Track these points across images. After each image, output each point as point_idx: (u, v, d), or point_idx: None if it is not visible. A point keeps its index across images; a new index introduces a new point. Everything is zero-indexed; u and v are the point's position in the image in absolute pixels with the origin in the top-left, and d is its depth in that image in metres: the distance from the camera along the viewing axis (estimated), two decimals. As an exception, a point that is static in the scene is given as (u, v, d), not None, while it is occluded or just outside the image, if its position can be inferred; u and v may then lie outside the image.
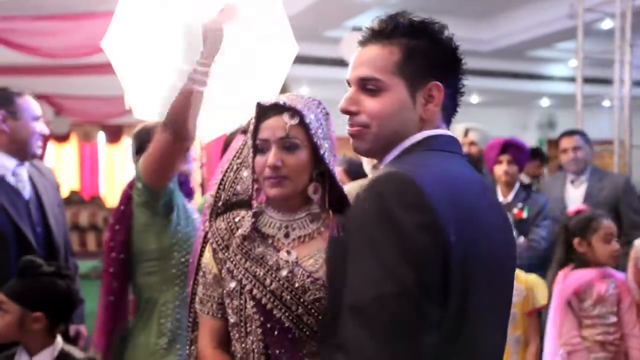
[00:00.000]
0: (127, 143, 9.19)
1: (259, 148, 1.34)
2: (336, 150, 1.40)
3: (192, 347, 1.47)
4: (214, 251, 1.38)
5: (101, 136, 8.74)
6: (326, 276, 1.26)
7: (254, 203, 1.40)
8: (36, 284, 1.91)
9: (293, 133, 1.30)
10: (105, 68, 4.06)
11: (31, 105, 2.34)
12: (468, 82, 1.15)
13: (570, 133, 3.54)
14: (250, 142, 1.37)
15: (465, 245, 0.95)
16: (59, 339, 1.94)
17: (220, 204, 1.42)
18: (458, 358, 0.98)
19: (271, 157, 1.30)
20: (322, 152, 1.33)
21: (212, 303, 1.39)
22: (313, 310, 1.29)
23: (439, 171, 1.01)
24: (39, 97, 2.50)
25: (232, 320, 1.35)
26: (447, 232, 0.92)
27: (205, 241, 1.43)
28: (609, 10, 4.95)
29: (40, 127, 2.35)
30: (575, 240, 2.47)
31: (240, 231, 1.36)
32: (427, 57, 1.07)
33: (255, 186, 1.39)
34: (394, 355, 0.88)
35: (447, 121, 1.13)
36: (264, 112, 1.34)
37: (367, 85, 1.09)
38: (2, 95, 2.30)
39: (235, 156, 1.44)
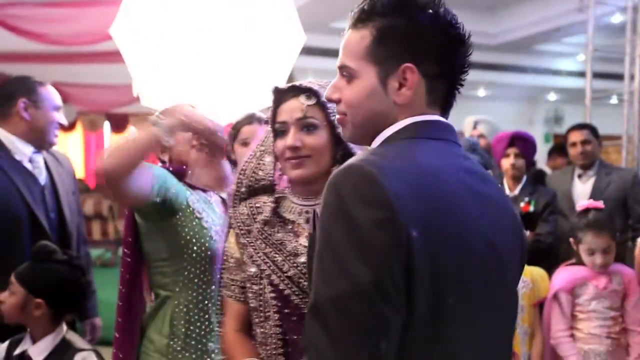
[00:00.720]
0: (132, 132, 9.20)
1: (278, 132, 1.34)
2: None
3: (221, 330, 1.48)
4: (237, 236, 1.40)
5: (107, 125, 8.75)
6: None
7: (277, 187, 1.41)
8: (44, 271, 1.91)
9: (311, 113, 1.30)
10: (113, 56, 4.06)
11: (53, 95, 2.38)
12: (475, 75, 1.05)
13: (579, 127, 3.52)
14: (270, 127, 1.38)
15: (436, 242, 0.88)
16: (64, 327, 1.95)
17: (242, 189, 1.43)
18: None
19: (290, 138, 1.31)
20: (339, 131, 1.31)
21: (235, 287, 1.40)
22: None
23: (408, 163, 0.93)
24: (46, 85, 2.51)
25: (252, 305, 1.37)
26: (409, 229, 0.85)
27: (230, 227, 1.44)
28: (619, 3, 4.91)
29: (60, 117, 2.38)
30: (572, 240, 2.50)
31: (261, 216, 1.37)
32: (401, 38, 0.99)
33: (278, 173, 1.40)
34: (347, 357, 0.83)
35: (443, 105, 1.04)
36: (281, 96, 1.35)
37: (343, 72, 1.05)
38: (25, 83, 2.33)
39: (259, 144, 1.45)
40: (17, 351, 1.90)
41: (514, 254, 1.05)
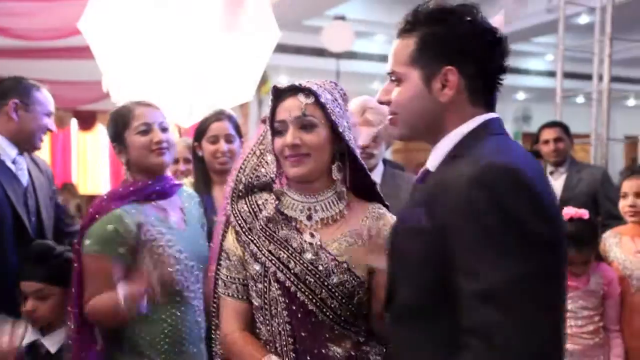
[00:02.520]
0: (100, 130, 9.02)
1: (277, 130, 1.36)
2: (357, 131, 1.41)
3: (219, 332, 1.47)
4: (237, 234, 1.39)
5: (74, 122, 8.56)
6: (390, 261, 1.21)
7: (276, 185, 1.41)
8: (61, 264, 1.91)
9: (309, 112, 1.33)
10: (81, 51, 3.96)
11: (46, 100, 2.33)
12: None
13: (552, 124, 3.58)
14: (268, 124, 1.39)
15: (559, 221, 1.08)
16: None
17: (241, 187, 1.43)
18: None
19: (289, 136, 1.33)
20: (340, 130, 1.35)
21: (236, 285, 1.39)
22: (337, 294, 1.31)
23: (522, 155, 1.07)
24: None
25: (256, 304, 1.36)
26: (551, 212, 1.02)
27: (227, 224, 1.44)
28: (589, 4, 5.00)
29: (50, 123, 2.34)
30: None
31: (264, 213, 1.37)
32: (441, 44, 1.12)
33: (278, 170, 1.41)
34: (534, 334, 0.93)
35: (486, 102, 1.16)
36: (280, 94, 1.36)
37: (392, 77, 1.18)
38: (21, 84, 2.29)
39: (257, 142, 1.46)
40: (26, 341, 1.88)
41: None
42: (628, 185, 2.43)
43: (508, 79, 1.16)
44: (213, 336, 1.49)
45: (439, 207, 1.04)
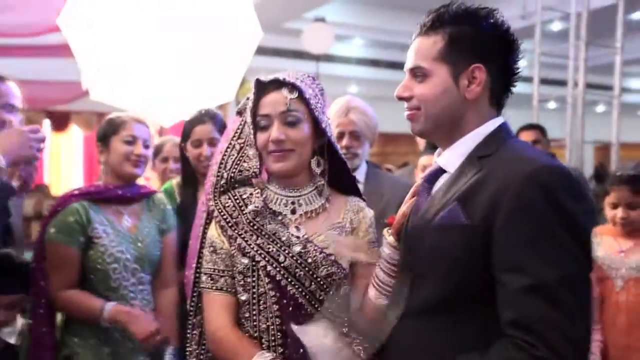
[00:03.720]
0: (74, 131, 8.85)
1: (260, 125, 1.34)
2: (331, 128, 1.42)
3: (194, 332, 1.43)
4: (222, 228, 1.37)
5: (47, 123, 8.38)
6: (411, 259, 1.21)
7: (256, 180, 1.39)
8: (23, 271, 1.92)
9: (294, 107, 1.32)
10: (57, 50, 3.87)
11: (6, 92, 2.14)
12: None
13: (529, 127, 3.61)
14: (249, 119, 1.36)
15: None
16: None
17: (223, 182, 1.41)
18: None
19: (274, 131, 1.32)
20: (323, 125, 1.35)
21: (225, 278, 1.36)
22: (325, 286, 1.32)
23: (562, 163, 1.10)
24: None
25: (242, 298, 1.34)
26: (596, 214, 1.12)
27: (208, 220, 1.42)
28: (564, 9, 5.09)
29: (8, 116, 2.14)
30: None
31: (251, 207, 1.35)
32: (470, 43, 1.15)
33: (260, 164, 1.39)
34: (585, 330, 1.00)
35: (498, 103, 1.20)
36: (263, 88, 1.35)
37: (415, 73, 1.19)
38: None
39: (234, 136, 1.43)
40: None
41: None
42: (618, 196, 2.39)
43: None
44: (188, 335, 1.44)
45: (480, 205, 1.07)
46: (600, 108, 11.64)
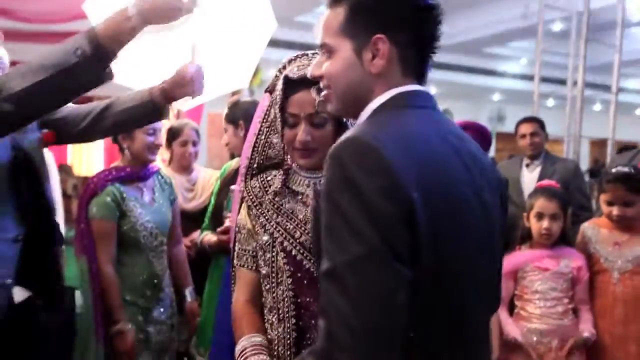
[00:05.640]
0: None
1: (288, 122, 1.34)
2: None
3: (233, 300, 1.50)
4: (249, 208, 1.41)
5: (70, 107, 8.42)
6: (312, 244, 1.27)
7: (286, 165, 1.42)
8: None
9: (321, 108, 1.28)
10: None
11: None
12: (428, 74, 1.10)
13: (529, 120, 3.63)
14: (277, 111, 1.35)
15: (433, 202, 0.92)
16: None
17: (255, 165, 1.45)
18: (436, 320, 0.96)
19: (301, 133, 1.31)
20: (347, 121, 1.34)
21: (247, 257, 1.41)
22: None
23: (401, 132, 0.96)
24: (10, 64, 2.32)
25: (263, 272, 1.38)
26: (409, 192, 0.89)
27: (242, 201, 1.46)
28: (564, 11, 5.06)
29: None
30: (524, 215, 2.52)
31: (272, 188, 1.39)
32: (372, 13, 1.02)
33: (286, 155, 1.42)
34: (367, 315, 0.85)
35: (418, 74, 1.06)
36: (292, 86, 1.32)
37: (323, 50, 1.09)
38: None
39: (263, 119, 1.43)
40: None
41: (496, 207, 1.09)
42: (614, 195, 2.38)
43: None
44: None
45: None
46: (597, 107, 11.58)
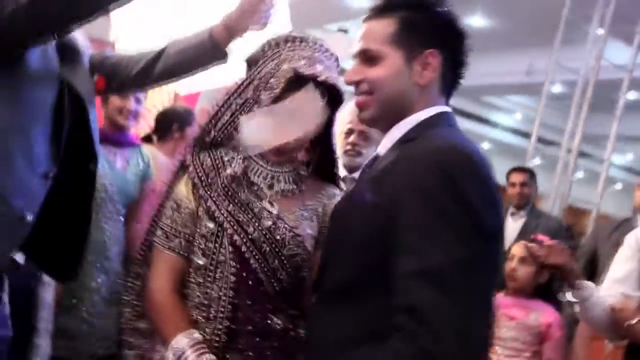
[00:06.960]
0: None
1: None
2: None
3: (137, 282, 1.31)
4: (194, 186, 1.24)
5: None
6: (327, 241, 1.17)
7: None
8: None
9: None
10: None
11: None
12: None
13: (520, 169, 3.65)
14: (269, 101, 1.22)
15: (501, 212, 1.03)
16: None
17: (207, 139, 1.27)
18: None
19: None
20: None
21: (180, 240, 1.24)
22: (288, 266, 1.22)
23: (473, 144, 1.03)
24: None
25: (200, 262, 1.22)
26: (498, 202, 0.98)
27: (178, 173, 1.28)
28: (569, 77, 5.16)
29: None
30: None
31: (229, 171, 1.23)
32: (424, 28, 1.09)
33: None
34: (470, 316, 0.89)
35: (448, 92, 1.13)
36: (297, 80, 1.21)
37: (366, 57, 1.10)
38: None
39: (235, 92, 1.25)
40: None
41: None
42: None
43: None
44: (129, 283, 1.32)
45: (387, 186, 0.99)
46: (580, 174, 11.74)
